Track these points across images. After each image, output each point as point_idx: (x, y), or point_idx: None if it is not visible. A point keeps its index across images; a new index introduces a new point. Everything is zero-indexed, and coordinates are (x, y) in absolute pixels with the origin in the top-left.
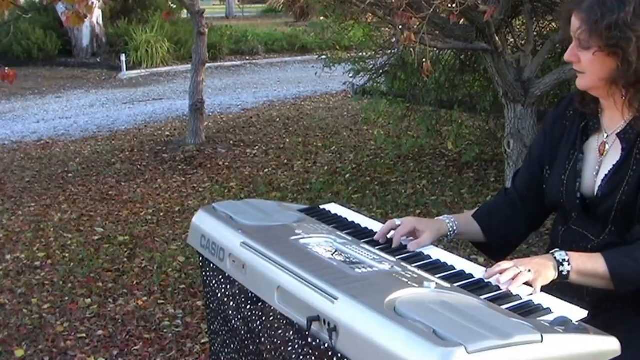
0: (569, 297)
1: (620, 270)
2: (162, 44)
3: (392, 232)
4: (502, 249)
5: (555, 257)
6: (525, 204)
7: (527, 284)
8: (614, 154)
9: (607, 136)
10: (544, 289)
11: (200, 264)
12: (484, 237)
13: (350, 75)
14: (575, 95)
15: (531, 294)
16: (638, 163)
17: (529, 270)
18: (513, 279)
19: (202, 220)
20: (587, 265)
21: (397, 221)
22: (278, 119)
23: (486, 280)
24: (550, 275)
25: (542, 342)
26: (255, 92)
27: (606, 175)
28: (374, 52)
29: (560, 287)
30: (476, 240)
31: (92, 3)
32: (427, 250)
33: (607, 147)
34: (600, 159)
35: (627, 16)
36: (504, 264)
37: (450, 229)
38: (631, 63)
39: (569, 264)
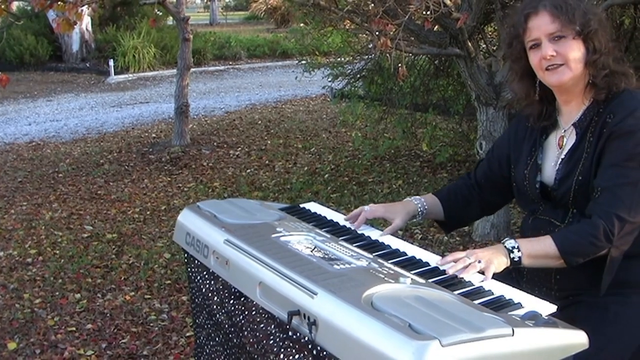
0: (538, 286)
1: (566, 245)
2: (149, 50)
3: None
4: (455, 224)
5: (505, 246)
6: (481, 191)
7: (479, 272)
8: (571, 142)
9: (565, 130)
10: (513, 280)
11: (186, 260)
12: (443, 214)
13: (329, 79)
14: (529, 115)
15: (482, 281)
16: (591, 146)
17: (479, 262)
18: (465, 267)
19: (187, 219)
20: (537, 247)
21: (366, 207)
22: (260, 122)
23: (441, 268)
24: (502, 262)
25: (513, 335)
26: (238, 95)
27: (562, 159)
28: (351, 58)
29: (529, 278)
30: (439, 218)
31: (82, 10)
32: (402, 247)
33: (565, 139)
34: (560, 151)
35: (586, 5)
36: (457, 254)
37: (420, 209)
38: (602, 43)
39: (518, 250)
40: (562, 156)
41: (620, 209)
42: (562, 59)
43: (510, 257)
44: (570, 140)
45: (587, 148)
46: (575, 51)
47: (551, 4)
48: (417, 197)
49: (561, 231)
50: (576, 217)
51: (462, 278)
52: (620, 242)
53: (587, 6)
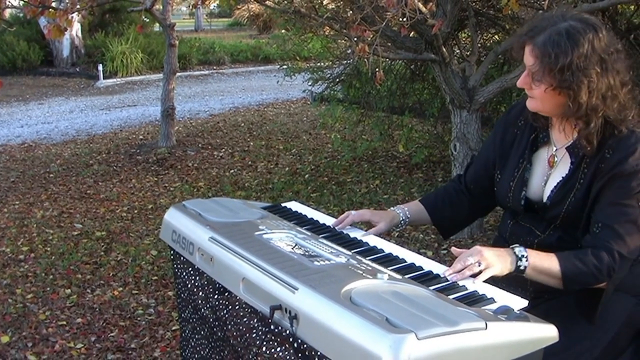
0: (514, 286)
1: (571, 270)
2: (136, 55)
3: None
4: (448, 228)
5: (515, 252)
6: (471, 195)
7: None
8: (563, 167)
9: (557, 149)
10: (490, 279)
11: (172, 257)
12: (430, 219)
13: (309, 83)
14: (530, 113)
15: (473, 282)
16: (585, 176)
17: (479, 264)
18: (462, 271)
19: (173, 217)
20: (544, 263)
21: (353, 212)
22: (243, 124)
23: (435, 273)
24: (506, 268)
25: (486, 329)
26: (222, 99)
27: (555, 186)
28: (331, 62)
29: (506, 277)
30: (426, 224)
31: (72, 17)
32: (380, 245)
33: (556, 159)
34: (550, 171)
35: (580, 60)
36: (464, 253)
37: (403, 218)
38: (581, 104)
39: (527, 260)
40: (554, 181)
41: (622, 246)
42: (533, 94)
43: (517, 264)
44: (562, 163)
45: (581, 178)
46: (545, 99)
47: (541, 44)
48: (401, 206)
49: (568, 255)
50: (558, 231)
51: (437, 274)
52: (617, 277)
53: (582, 60)
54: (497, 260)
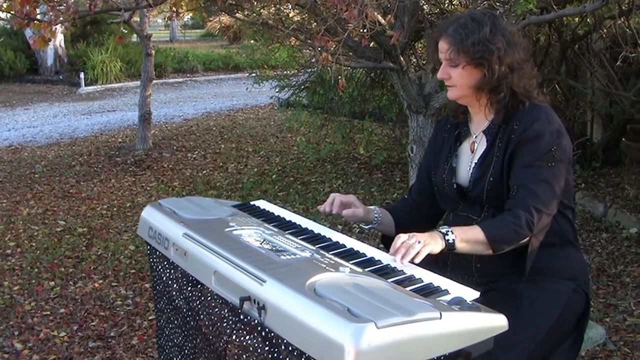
0: (460, 273)
1: (494, 233)
2: (115, 64)
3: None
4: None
5: (440, 231)
6: (419, 207)
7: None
8: (481, 148)
9: (476, 136)
10: (439, 269)
11: (148, 251)
12: (394, 227)
13: (276, 90)
14: (449, 109)
15: (414, 257)
16: (500, 150)
17: (419, 242)
18: (407, 252)
19: (150, 215)
20: (469, 234)
21: (338, 194)
22: (214, 128)
23: (393, 266)
24: (439, 244)
25: (440, 319)
26: (195, 104)
27: (476, 163)
28: (296, 71)
29: (453, 266)
30: (388, 232)
31: (56, 28)
32: (342, 240)
33: (476, 145)
34: (472, 155)
35: (486, 34)
36: (402, 237)
37: (376, 217)
38: (494, 71)
39: (452, 234)
40: (475, 160)
41: (537, 202)
42: (452, 82)
43: (445, 239)
44: (481, 145)
45: (497, 152)
46: (464, 78)
47: (452, 31)
48: (378, 208)
49: (487, 221)
50: (490, 212)
51: (395, 267)
52: (538, 231)
53: (488, 34)
54: (430, 239)
